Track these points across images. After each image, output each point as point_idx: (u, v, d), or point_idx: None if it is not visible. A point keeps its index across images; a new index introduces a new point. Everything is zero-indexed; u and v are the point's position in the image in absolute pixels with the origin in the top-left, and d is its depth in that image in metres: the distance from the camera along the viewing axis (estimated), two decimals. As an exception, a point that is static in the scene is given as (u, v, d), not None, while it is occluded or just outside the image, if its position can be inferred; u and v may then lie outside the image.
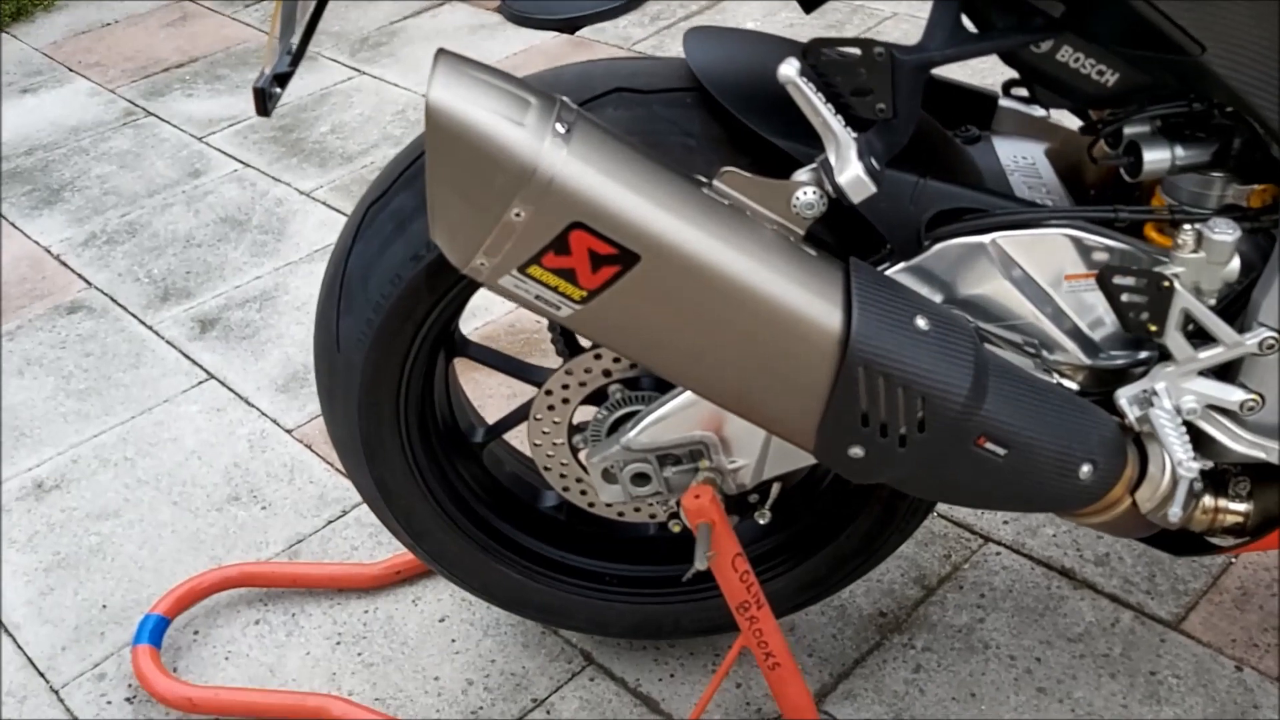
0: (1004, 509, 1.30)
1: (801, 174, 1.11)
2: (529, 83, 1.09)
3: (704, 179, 1.12)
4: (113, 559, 1.86)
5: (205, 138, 3.05)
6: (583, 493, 1.41)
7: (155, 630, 1.67)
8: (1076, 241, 1.18)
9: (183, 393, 2.20)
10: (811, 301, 1.09)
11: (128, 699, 1.64)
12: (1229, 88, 1.08)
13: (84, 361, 2.31)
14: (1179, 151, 1.18)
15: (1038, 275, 1.20)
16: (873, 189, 1.09)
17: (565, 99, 1.08)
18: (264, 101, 1.16)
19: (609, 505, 1.39)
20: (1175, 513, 1.19)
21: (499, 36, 3.38)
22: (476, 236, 1.05)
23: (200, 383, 2.22)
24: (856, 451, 1.14)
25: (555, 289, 1.08)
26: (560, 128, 1.04)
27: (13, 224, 2.75)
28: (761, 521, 1.40)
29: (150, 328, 2.38)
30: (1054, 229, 1.18)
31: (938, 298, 1.20)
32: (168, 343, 2.33)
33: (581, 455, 1.38)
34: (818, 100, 1.06)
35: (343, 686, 1.62)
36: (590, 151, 1.04)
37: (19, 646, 1.73)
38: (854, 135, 1.09)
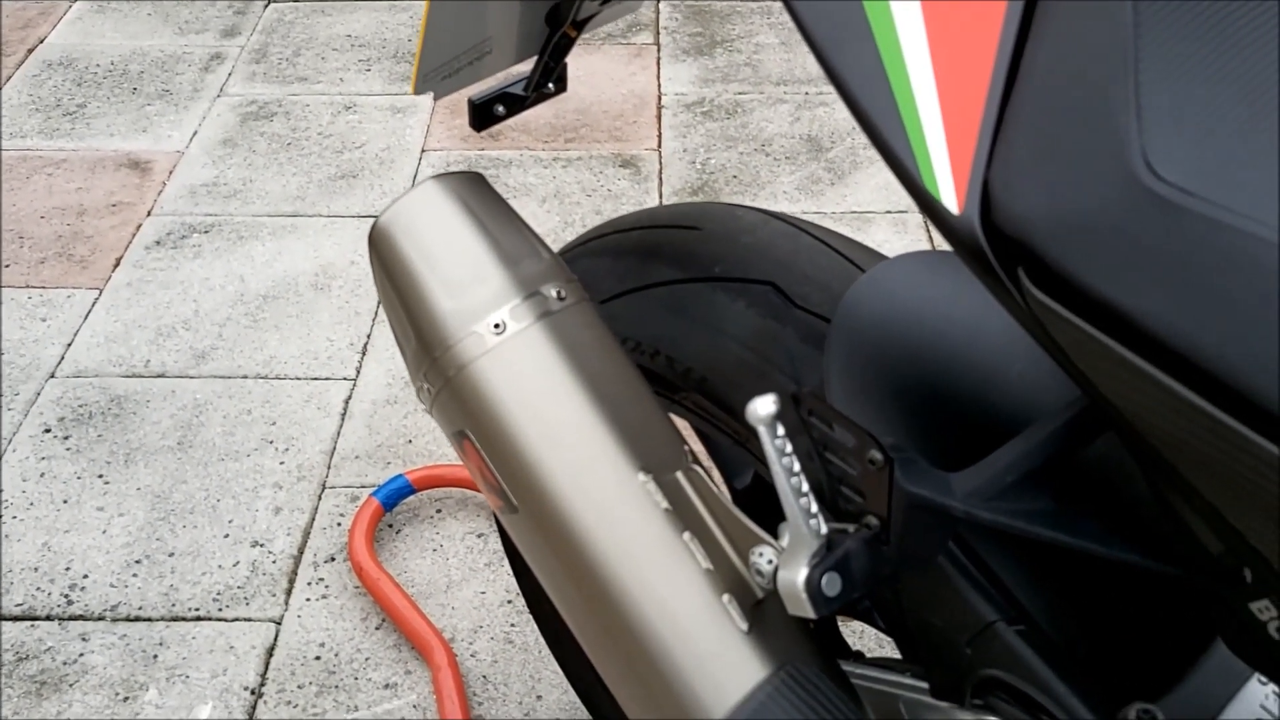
0: None
1: (785, 530, 0.80)
2: (524, 252, 0.86)
3: (689, 457, 0.85)
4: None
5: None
6: None
7: (395, 493, 1.76)
8: None
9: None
10: (693, 675, 0.80)
11: (337, 524, 1.78)
12: None
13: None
14: None
15: None
16: (810, 612, 0.75)
17: (561, 290, 0.85)
18: (480, 117, 1.06)
19: None
20: None
21: None
22: (410, 371, 0.91)
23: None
24: None
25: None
26: (501, 323, 0.83)
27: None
28: None
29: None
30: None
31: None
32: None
33: None
34: (782, 464, 0.74)
35: (476, 648, 1.61)
36: (519, 369, 0.83)
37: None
38: (823, 530, 0.75)
